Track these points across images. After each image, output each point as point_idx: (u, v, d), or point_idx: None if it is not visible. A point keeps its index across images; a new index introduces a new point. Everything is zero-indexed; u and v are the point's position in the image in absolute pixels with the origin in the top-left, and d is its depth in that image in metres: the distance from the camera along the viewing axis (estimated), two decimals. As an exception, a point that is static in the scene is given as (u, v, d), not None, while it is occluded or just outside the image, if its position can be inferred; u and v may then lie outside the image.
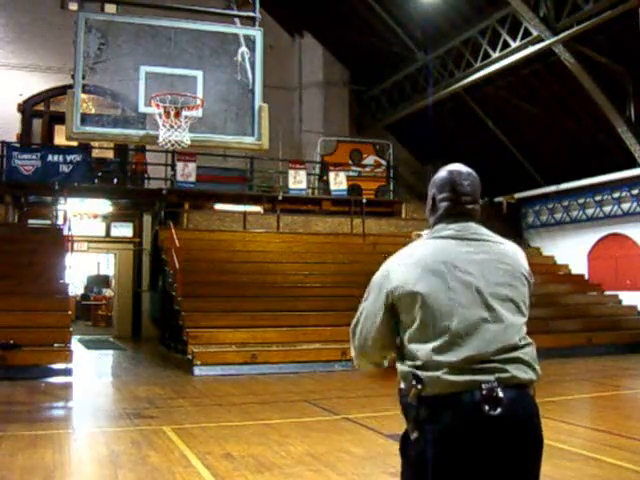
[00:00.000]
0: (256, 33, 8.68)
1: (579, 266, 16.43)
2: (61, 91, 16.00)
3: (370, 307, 2.16)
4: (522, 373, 2.01)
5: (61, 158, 15.31)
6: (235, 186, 17.92)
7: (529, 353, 2.07)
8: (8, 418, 7.10)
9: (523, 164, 17.57)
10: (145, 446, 5.89)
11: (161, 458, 5.48)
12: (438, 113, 16.77)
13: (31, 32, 18.03)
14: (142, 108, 8.21)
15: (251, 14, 8.86)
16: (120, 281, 17.43)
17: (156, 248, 15.51)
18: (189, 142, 8.20)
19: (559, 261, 17.04)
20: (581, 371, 11.46)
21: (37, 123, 18.68)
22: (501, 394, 1.93)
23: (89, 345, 15.39)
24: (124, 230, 17.66)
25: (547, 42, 13.40)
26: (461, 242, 2.11)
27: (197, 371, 10.63)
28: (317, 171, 18.92)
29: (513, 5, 13.56)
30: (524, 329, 2.09)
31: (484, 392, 1.93)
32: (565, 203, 16.81)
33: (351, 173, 18.49)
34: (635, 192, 14.87)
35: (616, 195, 15.32)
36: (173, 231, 13.88)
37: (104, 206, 16.92)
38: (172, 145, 8.16)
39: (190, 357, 10.85)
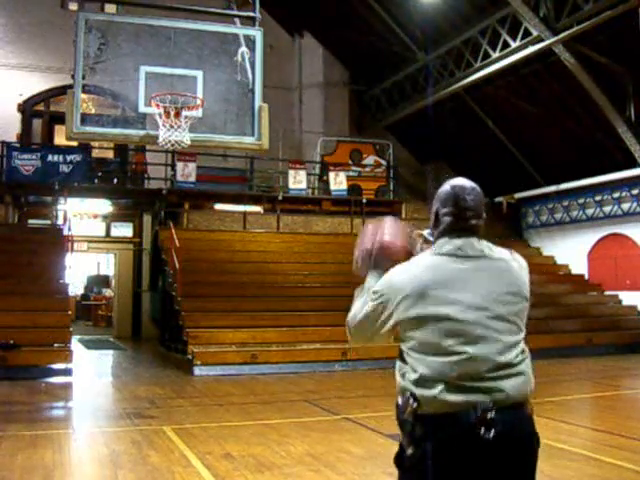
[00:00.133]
0: (256, 33, 8.68)
1: (579, 266, 16.43)
2: (61, 91, 15.99)
3: (371, 314, 2.19)
4: (517, 392, 2.03)
5: (61, 158, 15.31)
6: (235, 186, 17.92)
7: (524, 370, 2.08)
8: (8, 418, 7.11)
9: (523, 164, 17.57)
10: (145, 446, 5.89)
11: (161, 458, 5.48)
12: (438, 113, 16.77)
13: (31, 32, 18.03)
14: (142, 108, 8.21)
15: (251, 14, 8.86)
16: (120, 281, 17.43)
17: (156, 248, 15.51)
18: (189, 142, 8.20)
19: (559, 261, 17.04)
20: (581, 371, 11.46)
21: (37, 123, 18.69)
22: (495, 416, 1.95)
23: (89, 345, 15.40)
24: (124, 230, 17.66)
25: (547, 42, 13.40)
26: (462, 260, 2.11)
27: (197, 371, 10.64)
28: (317, 171, 18.91)
29: (513, 5, 13.56)
30: (520, 345, 2.10)
31: (479, 414, 1.95)
32: (565, 203, 16.81)
33: (351, 173, 18.49)
34: (635, 192, 14.87)
35: (616, 195, 15.32)
36: (173, 231, 13.88)
37: (104, 206, 16.92)
38: (172, 145, 8.16)
39: (190, 357, 10.85)
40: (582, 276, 16.31)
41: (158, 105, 8.07)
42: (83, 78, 8.12)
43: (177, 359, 11.86)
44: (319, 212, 17.61)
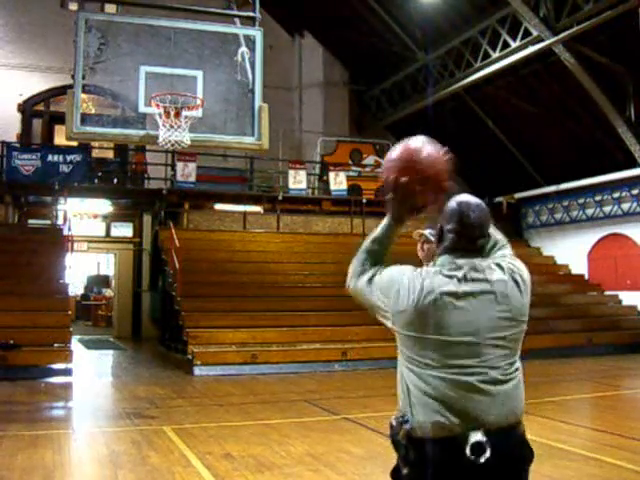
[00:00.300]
0: (256, 33, 8.69)
1: (579, 266, 16.43)
2: (61, 91, 15.99)
3: (374, 299, 2.17)
4: (507, 415, 2.03)
5: (61, 158, 15.30)
6: (235, 186, 17.91)
7: (516, 393, 2.08)
8: (8, 418, 7.10)
9: (523, 164, 17.57)
10: (145, 446, 5.89)
11: (161, 458, 5.48)
12: (438, 113, 16.76)
13: (31, 32, 18.04)
14: (142, 108, 8.21)
15: (251, 14, 8.87)
16: (120, 281, 17.43)
17: (156, 248, 15.51)
18: (189, 142, 8.20)
19: (559, 261, 17.04)
20: (581, 371, 11.45)
21: (37, 123, 18.70)
22: (486, 440, 1.96)
23: (89, 345, 15.40)
24: (124, 230, 17.66)
25: (547, 42, 13.40)
26: (462, 283, 2.08)
27: (197, 371, 10.63)
28: (317, 171, 18.92)
29: (513, 5, 13.56)
30: (513, 370, 2.09)
31: (470, 439, 1.96)
32: (565, 203, 16.81)
33: (351, 173, 18.48)
34: (635, 192, 14.87)
35: (616, 195, 15.31)
36: (173, 231, 13.88)
37: (104, 206, 16.92)
38: (172, 145, 8.16)
39: (190, 357, 10.85)
40: (582, 276, 16.31)
41: (158, 105, 8.07)
42: (83, 78, 8.13)
43: (177, 359, 11.85)
44: (319, 212, 17.61)
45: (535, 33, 13.58)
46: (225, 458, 5.51)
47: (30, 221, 16.24)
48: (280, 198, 16.89)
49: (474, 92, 16.87)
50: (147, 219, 16.87)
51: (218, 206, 17.33)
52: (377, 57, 18.80)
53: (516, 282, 2.14)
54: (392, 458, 2.16)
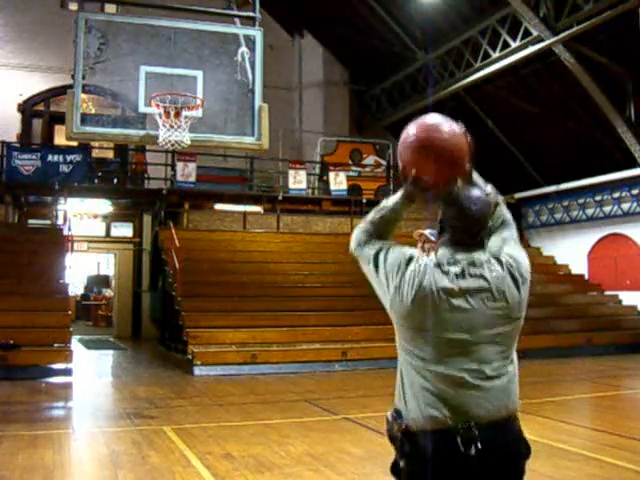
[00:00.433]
0: (256, 33, 8.69)
1: (579, 266, 16.43)
2: (61, 91, 15.99)
3: (379, 276, 2.15)
4: (500, 409, 2.04)
5: (61, 158, 15.31)
6: (235, 186, 17.91)
7: (509, 387, 2.08)
8: (8, 418, 7.11)
9: (523, 164, 17.57)
10: (145, 446, 5.89)
11: (161, 458, 5.48)
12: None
13: (31, 32, 18.04)
14: (142, 108, 8.21)
15: (251, 14, 8.87)
16: (120, 281, 17.43)
17: (156, 248, 15.51)
18: (189, 142, 8.20)
19: (559, 261, 17.04)
20: (581, 371, 11.45)
21: (37, 123, 18.70)
22: (478, 433, 1.97)
23: (89, 345, 15.40)
24: (124, 230, 17.66)
25: (547, 42, 13.40)
26: (460, 280, 2.07)
27: (197, 371, 10.63)
28: (317, 171, 18.92)
29: (513, 5, 13.56)
30: (506, 365, 2.09)
31: (461, 431, 1.98)
32: (565, 203, 16.81)
33: (351, 173, 18.48)
34: (635, 192, 14.86)
35: (616, 195, 15.31)
36: (173, 231, 13.88)
37: (104, 206, 16.92)
38: (172, 145, 8.16)
39: (190, 357, 10.85)
40: (582, 276, 16.31)
41: (158, 105, 8.07)
42: (83, 78, 8.13)
43: (177, 359, 11.85)
44: (319, 212, 17.61)
45: (535, 33, 13.58)
46: (225, 458, 5.51)
47: (30, 221, 16.25)
48: (280, 198, 16.89)
49: (474, 92, 16.86)
50: (147, 219, 16.87)
51: (218, 206, 17.34)
52: (377, 57, 18.80)
53: (514, 278, 2.11)
54: (392, 457, 2.16)
